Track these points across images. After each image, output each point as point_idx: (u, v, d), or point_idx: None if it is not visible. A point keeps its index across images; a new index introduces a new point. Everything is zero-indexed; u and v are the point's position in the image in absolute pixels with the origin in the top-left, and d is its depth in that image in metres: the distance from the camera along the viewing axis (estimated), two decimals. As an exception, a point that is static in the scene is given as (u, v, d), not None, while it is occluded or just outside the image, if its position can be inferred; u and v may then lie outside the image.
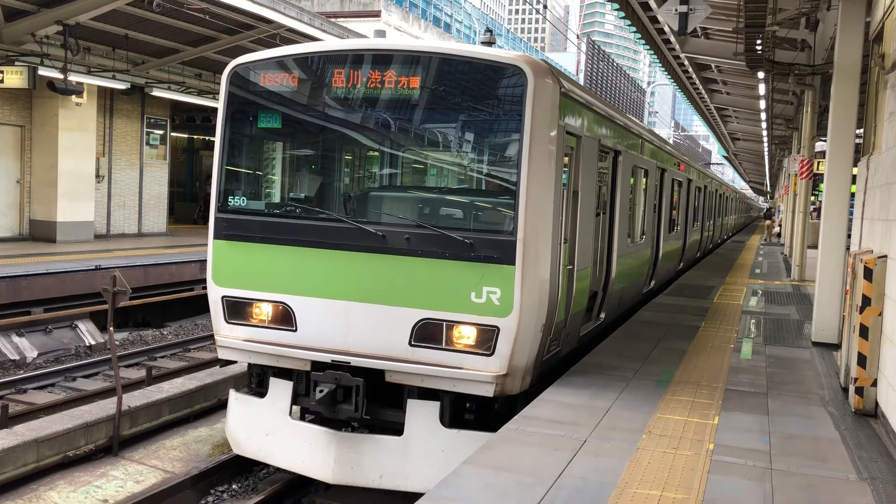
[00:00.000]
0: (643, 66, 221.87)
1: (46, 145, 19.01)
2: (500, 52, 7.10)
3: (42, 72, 16.81)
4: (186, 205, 29.44)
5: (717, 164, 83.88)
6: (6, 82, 16.45)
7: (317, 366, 7.10)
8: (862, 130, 13.48)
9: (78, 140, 19.38)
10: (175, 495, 7.50)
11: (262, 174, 8.29)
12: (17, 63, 16.61)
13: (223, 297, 7.55)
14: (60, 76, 16.75)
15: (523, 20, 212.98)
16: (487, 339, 6.69)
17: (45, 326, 12.90)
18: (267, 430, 7.48)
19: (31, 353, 12.27)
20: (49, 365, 12.05)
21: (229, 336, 7.56)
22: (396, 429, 7.08)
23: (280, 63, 7.53)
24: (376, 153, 7.96)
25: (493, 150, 7.25)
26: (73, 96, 18.21)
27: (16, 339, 12.32)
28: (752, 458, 5.64)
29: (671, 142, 37.67)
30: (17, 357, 12.04)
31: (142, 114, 22.29)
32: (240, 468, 8.24)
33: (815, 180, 21.44)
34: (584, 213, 8.18)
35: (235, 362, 8.06)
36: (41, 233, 19.09)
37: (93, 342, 13.26)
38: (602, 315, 9.80)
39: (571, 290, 7.89)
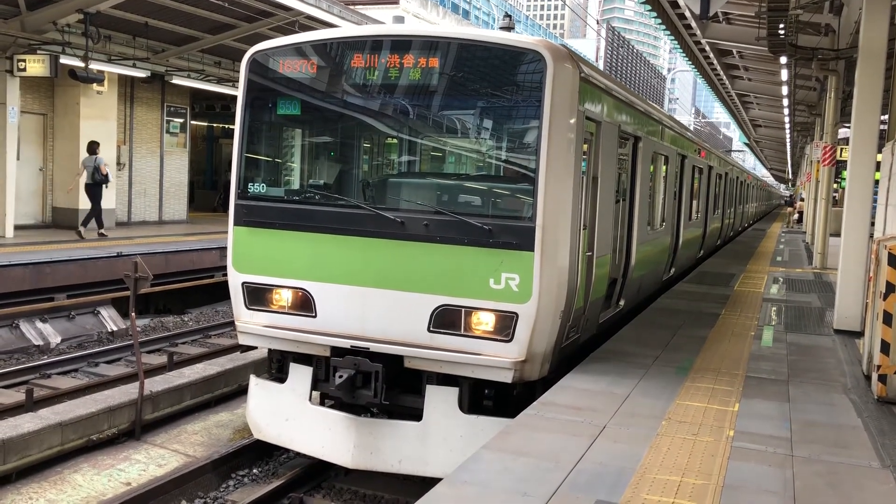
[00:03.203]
0: (663, 53, 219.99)
1: (68, 133, 19.16)
2: (520, 38, 7.06)
3: (64, 60, 16.93)
4: (206, 193, 29.60)
5: (738, 151, 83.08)
6: (28, 71, 16.58)
7: (336, 351, 7.14)
8: (887, 116, 13.29)
9: (99, 128, 19.51)
10: (197, 479, 7.57)
11: (281, 161, 8.32)
12: (38, 52, 16.73)
13: (243, 283, 7.60)
14: (82, 65, 16.86)
15: (542, 6, 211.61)
16: (506, 326, 6.68)
17: (68, 313, 13.06)
18: (287, 416, 7.54)
19: (55, 339, 12.43)
20: (72, 350, 12.20)
21: (250, 322, 7.61)
22: (415, 414, 7.10)
23: (299, 50, 7.53)
24: (395, 139, 7.95)
25: (512, 135, 7.22)
26: (94, 84, 18.35)
27: (39, 324, 12.48)
28: (773, 444, 5.61)
29: (692, 128, 37.37)
30: (40, 343, 12.20)
31: (162, 102, 22.41)
32: (260, 453, 8.31)
33: (838, 167, 21.19)
34: (603, 200, 8.14)
35: (256, 348, 8.10)
36: (63, 220, 19.28)
37: (115, 328, 13.41)
38: (621, 302, 9.76)
39: (591, 277, 7.87)
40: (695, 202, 16.13)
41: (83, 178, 17.65)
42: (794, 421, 6.20)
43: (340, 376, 6.95)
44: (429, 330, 6.87)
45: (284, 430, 7.58)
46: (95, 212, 17.63)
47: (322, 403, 7.99)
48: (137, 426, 8.59)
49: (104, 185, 17.80)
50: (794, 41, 15.29)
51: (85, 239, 16.94)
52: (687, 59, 24.68)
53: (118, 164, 20.63)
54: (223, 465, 7.93)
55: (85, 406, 8.29)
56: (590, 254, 7.82)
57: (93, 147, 17.89)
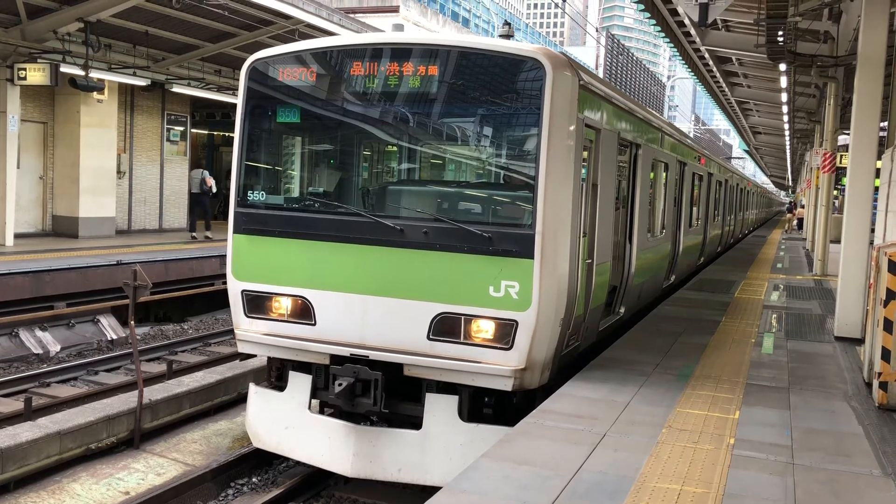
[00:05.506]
0: (663, 60, 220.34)
1: (68, 142, 19.18)
2: (519, 45, 7.07)
3: (64, 69, 16.95)
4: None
5: (738, 158, 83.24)
6: (29, 79, 16.59)
7: (336, 359, 7.13)
8: (886, 123, 13.29)
9: (99, 136, 19.53)
10: (195, 488, 7.55)
11: (281, 169, 8.32)
12: (39, 60, 16.75)
13: (243, 291, 7.59)
14: (82, 73, 16.90)
15: (542, 14, 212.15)
16: (506, 334, 6.67)
17: (67, 321, 13.04)
18: (286, 424, 7.51)
19: (54, 348, 12.40)
20: (72, 359, 12.18)
21: (249, 330, 7.60)
22: (415, 423, 7.08)
23: (298, 58, 7.54)
24: (394, 147, 7.96)
25: (511, 143, 7.22)
26: (95, 93, 18.38)
27: (39, 333, 12.46)
28: (774, 452, 5.59)
29: (691, 135, 37.39)
30: (40, 351, 12.18)
31: (162, 110, 22.43)
32: (260, 461, 8.28)
33: (838, 174, 21.18)
34: (603, 207, 8.14)
35: (255, 356, 8.10)
36: (63, 228, 19.28)
37: (114, 336, 13.39)
38: (621, 309, 9.75)
39: (590, 285, 7.86)
40: (695, 209, 16.13)
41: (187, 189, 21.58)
42: (795, 429, 6.18)
43: (340, 384, 6.94)
44: (428, 338, 6.86)
45: (284, 439, 7.56)
46: (206, 216, 21.14)
47: (321, 412, 7.97)
48: (136, 435, 8.57)
49: (209, 195, 21.08)
50: (793, 48, 15.32)
51: (212, 238, 20.27)
52: (686, 66, 24.71)
53: (118, 172, 20.65)
54: (222, 473, 7.90)
55: (84, 415, 8.27)
56: (590, 261, 7.81)
57: (199, 162, 22.06)
